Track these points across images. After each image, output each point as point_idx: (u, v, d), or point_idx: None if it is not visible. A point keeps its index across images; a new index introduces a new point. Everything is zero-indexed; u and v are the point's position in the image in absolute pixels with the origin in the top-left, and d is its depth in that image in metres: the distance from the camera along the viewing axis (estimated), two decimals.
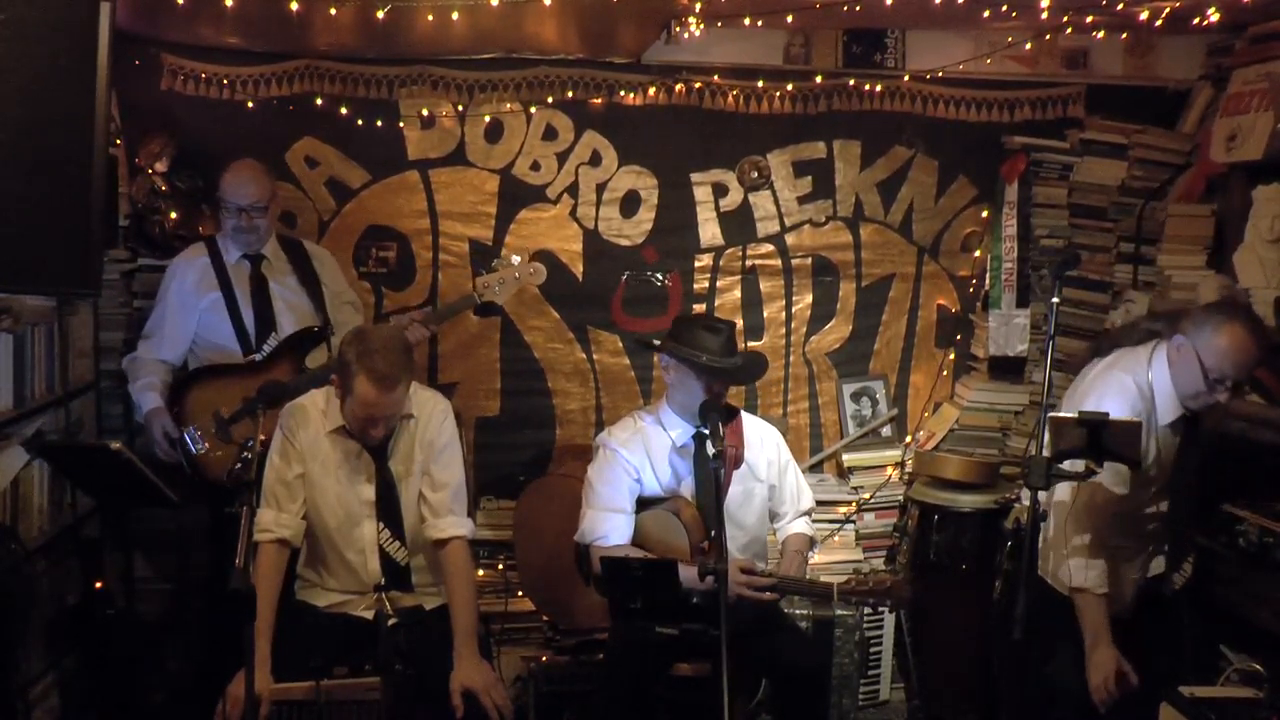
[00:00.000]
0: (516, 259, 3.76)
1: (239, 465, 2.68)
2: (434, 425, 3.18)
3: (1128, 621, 3.17)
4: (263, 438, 2.93)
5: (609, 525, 3.28)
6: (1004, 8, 3.73)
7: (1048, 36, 4.14)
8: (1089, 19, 3.89)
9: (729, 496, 3.34)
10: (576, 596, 3.58)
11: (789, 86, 4.21)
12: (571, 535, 3.39)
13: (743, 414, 3.46)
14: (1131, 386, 3.04)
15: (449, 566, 3.11)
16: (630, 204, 4.29)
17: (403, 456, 3.16)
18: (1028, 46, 4.19)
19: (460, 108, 4.18)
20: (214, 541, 3.64)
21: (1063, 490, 3.05)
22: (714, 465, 2.93)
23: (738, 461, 3.37)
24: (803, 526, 3.48)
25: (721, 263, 4.35)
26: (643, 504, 3.39)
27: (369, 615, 3.08)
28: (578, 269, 4.30)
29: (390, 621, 2.92)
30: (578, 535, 3.34)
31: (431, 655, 2.95)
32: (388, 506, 3.14)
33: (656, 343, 3.39)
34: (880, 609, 3.32)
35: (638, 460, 3.35)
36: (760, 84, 4.20)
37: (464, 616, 3.03)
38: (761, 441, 3.44)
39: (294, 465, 3.11)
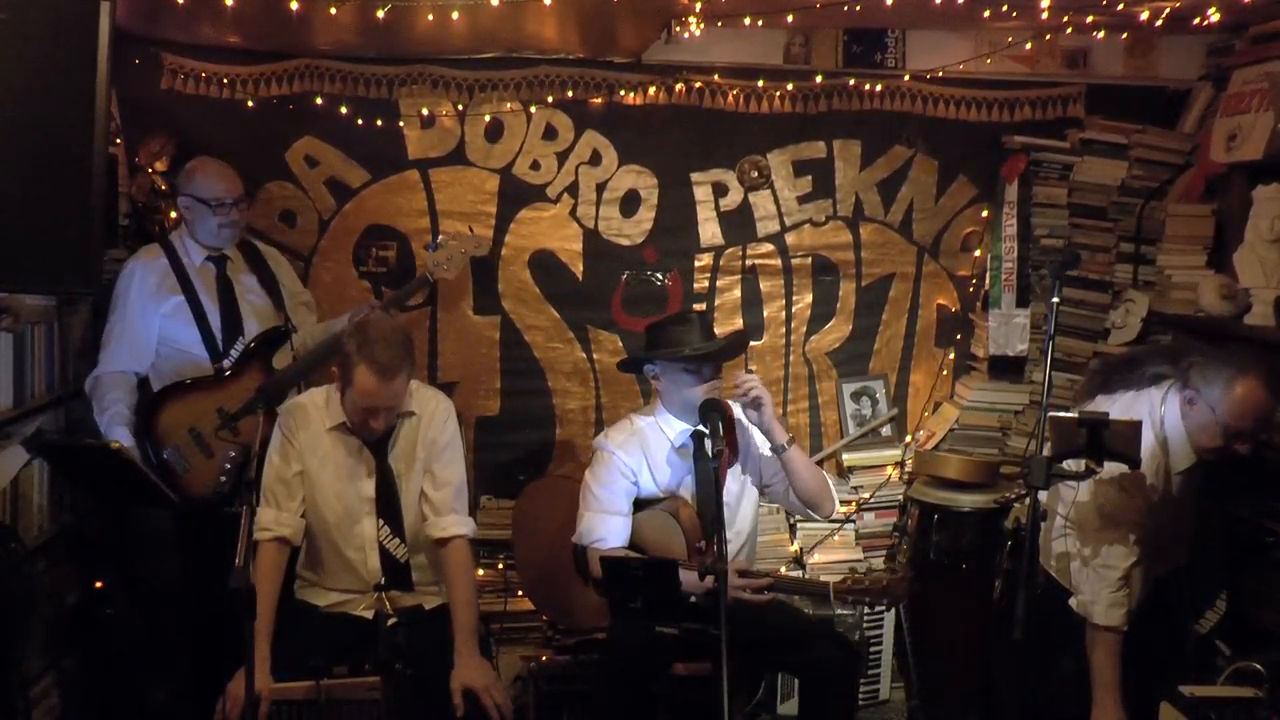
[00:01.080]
0: (457, 233, 3.81)
1: (223, 479, 2.67)
2: (437, 424, 3.19)
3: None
4: (243, 445, 2.93)
5: (607, 527, 3.30)
6: (1004, 8, 3.73)
7: (1048, 36, 4.14)
8: (1089, 19, 3.89)
9: (727, 494, 3.34)
10: (576, 596, 3.58)
11: (789, 86, 4.21)
12: (571, 535, 3.40)
13: (734, 407, 3.47)
14: (1150, 436, 3.01)
15: (450, 565, 3.12)
16: (630, 203, 4.29)
17: (403, 453, 3.16)
18: (1028, 46, 4.18)
19: (460, 107, 4.18)
20: (182, 550, 3.58)
21: (1086, 510, 3.06)
22: (712, 465, 2.94)
23: (733, 458, 3.38)
24: None
25: (721, 262, 4.35)
26: (641, 504, 3.40)
27: (369, 615, 3.09)
28: (578, 268, 4.30)
29: (390, 621, 2.92)
30: (576, 537, 3.37)
31: (431, 655, 2.95)
32: (387, 503, 3.14)
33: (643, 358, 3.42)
34: (877, 608, 3.34)
35: (635, 463, 3.36)
36: (760, 84, 4.20)
37: (464, 616, 3.03)
38: (749, 430, 3.45)
39: (293, 464, 3.12)
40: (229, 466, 2.74)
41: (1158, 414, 3.05)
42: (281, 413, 3.16)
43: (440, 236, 3.81)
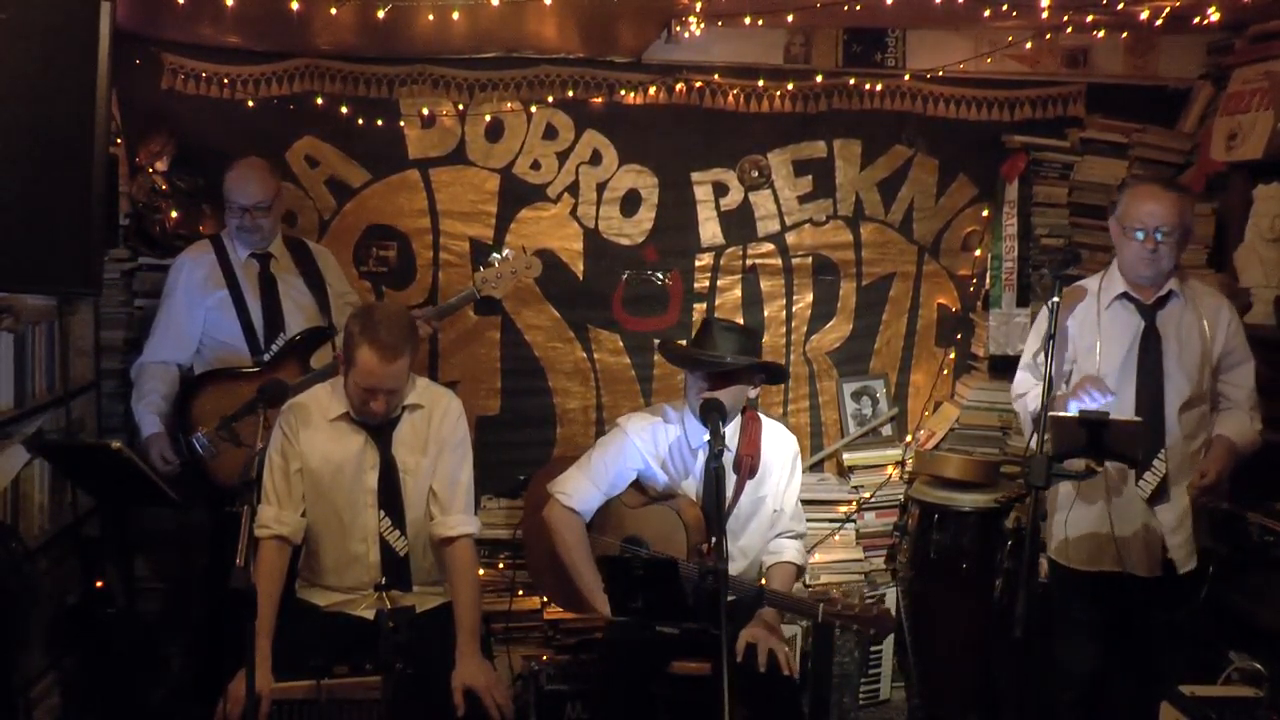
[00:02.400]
0: (511, 253, 3.82)
1: (249, 469, 2.68)
2: (449, 422, 3.20)
3: (1133, 615, 3.16)
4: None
5: (579, 489, 3.37)
6: (1004, 7, 3.73)
7: (1048, 36, 4.14)
8: (1089, 18, 3.88)
9: (738, 507, 3.35)
10: None
11: (789, 85, 4.21)
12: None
13: (764, 422, 3.46)
14: (1081, 284, 3.27)
15: (454, 565, 3.13)
16: (630, 203, 4.29)
17: (408, 445, 3.16)
18: (1028, 46, 4.18)
19: (460, 107, 4.18)
20: (215, 544, 3.60)
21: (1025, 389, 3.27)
22: (713, 465, 2.94)
23: (752, 472, 3.37)
24: (794, 554, 3.43)
25: (722, 262, 4.35)
26: (649, 497, 3.42)
27: (369, 615, 3.09)
28: (578, 268, 4.30)
29: (390, 623, 2.92)
30: (550, 482, 3.44)
31: (431, 655, 2.96)
32: (389, 494, 3.14)
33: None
34: (864, 636, 3.30)
35: (647, 449, 3.39)
36: (760, 83, 4.20)
37: (467, 615, 3.04)
38: (778, 452, 3.44)
39: (293, 462, 3.12)
40: (255, 458, 2.76)
41: (1102, 272, 3.26)
42: (282, 411, 3.17)
43: (493, 255, 3.82)
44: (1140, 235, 3.06)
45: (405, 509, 3.15)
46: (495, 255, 3.81)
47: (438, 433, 3.17)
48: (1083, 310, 3.21)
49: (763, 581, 3.47)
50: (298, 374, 3.57)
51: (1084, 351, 3.19)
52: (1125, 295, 3.17)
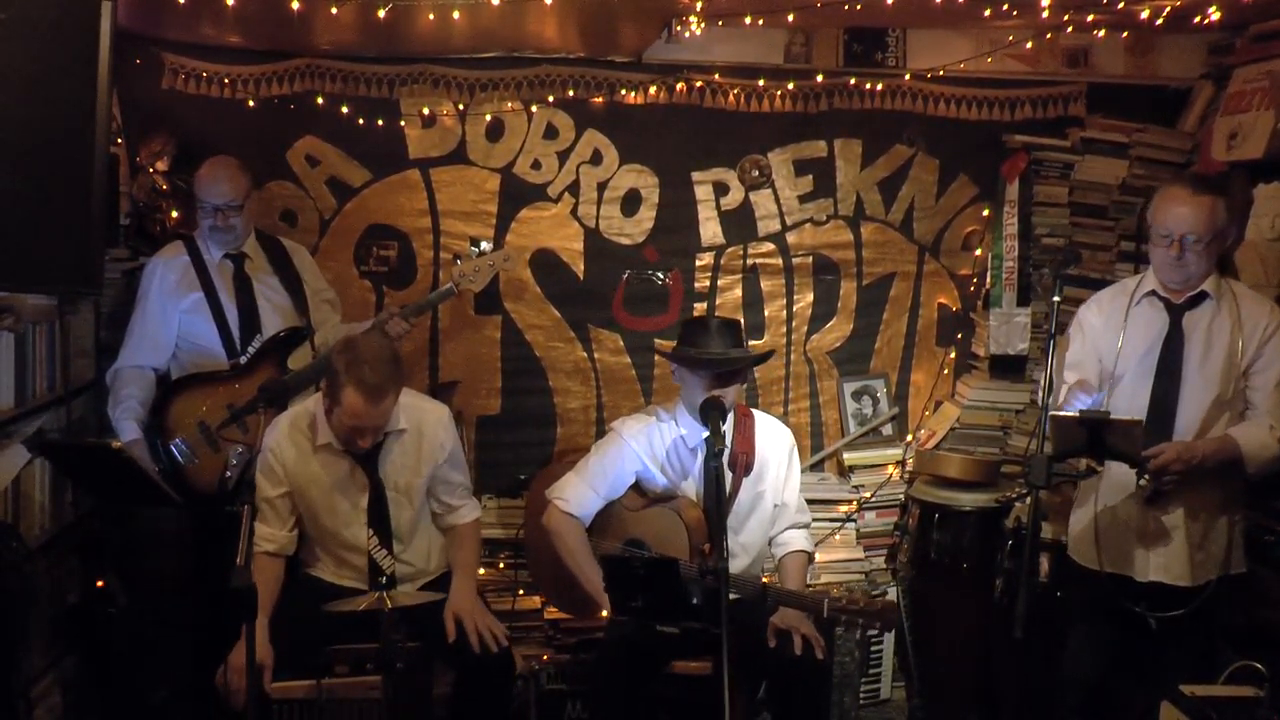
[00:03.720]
0: (488, 246, 3.84)
1: (227, 474, 2.69)
2: (439, 439, 3.25)
3: (1136, 618, 3.14)
4: (250, 445, 2.98)
5: (577, 495, 3.39)
6: (1005, 6, 3.72)
7: (1049, 35, 4.13)
8: (1090, 18, 3.88)
9: (737, 503, 3.37)
10: None
11: (790, 85, 4.21)
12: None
13: (757, 417, 3.48)
14: (1117, 285, 3.25)
15: (460, 535, 3.31)
16: (631, 203, 4.29)
17: (397, 470, 3.20)
18: (1028, 45, 4.18)
19: (461, 106, 4.18)
20: (198, 547, 3.58)
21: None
22: (713, 464, 2.94)
23: (748, 468, 3.38)
24: (803, 542, 3.48)
25: (722, 261, 4.35)
26: (649, 499, 3.42)
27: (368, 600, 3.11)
28: (578, 268, 4.30)
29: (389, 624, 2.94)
30: (549, 488, 3.47)
31: (429, 643, 3.04)
32: (378, 517, 3.20)
33: (659, 342, 3.44)
34: (870, 631, 3.31)
35: (643, 451, 3.41)
36: (761, 83, 4.20)
37: (466, 560, 3.23)
38: (773, 447, 3.46)
39: (278, 486, 3.17)
40: (234, 463, 2.76)
41: (1139, 276, 3.26)
42: (267, 431, 3.19)
43: (469, 249, 3.83)
44: (1167, 240, 3.01)
45: (394, 528, 3.22)
46: (472, 249, 3.82)
47: (430, 455, 3.23)
48: (1112, 305, 3.19)
49: (769, 577, 3.48)
50: (275, 376, 3.55)
51: (1106, 348, 3.16)
52: (1154, 293, 3.13)
